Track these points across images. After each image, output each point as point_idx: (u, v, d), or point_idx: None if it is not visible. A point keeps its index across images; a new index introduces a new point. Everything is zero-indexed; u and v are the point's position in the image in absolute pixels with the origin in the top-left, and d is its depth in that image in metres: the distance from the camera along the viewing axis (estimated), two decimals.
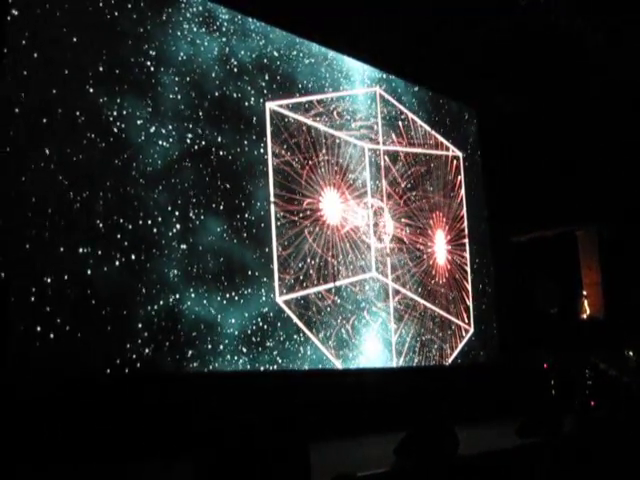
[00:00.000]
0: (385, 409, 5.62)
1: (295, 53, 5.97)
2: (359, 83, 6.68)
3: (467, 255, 7.66)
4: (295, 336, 5.38)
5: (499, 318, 7.85)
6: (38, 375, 3.91)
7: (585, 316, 8.98)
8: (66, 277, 3.91)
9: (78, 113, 4.14)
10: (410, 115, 7.23)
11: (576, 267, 9.38)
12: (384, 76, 6.99)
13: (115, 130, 4.32)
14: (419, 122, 7.32)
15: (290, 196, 5.61)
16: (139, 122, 4.46)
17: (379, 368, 6.21)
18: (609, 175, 8.38)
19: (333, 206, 6.05)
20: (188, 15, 4.99)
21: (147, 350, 4.31)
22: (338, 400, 5.51)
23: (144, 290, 4.34)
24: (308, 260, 5.61)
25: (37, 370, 3.88)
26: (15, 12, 3.91)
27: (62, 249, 3.94)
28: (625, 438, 4.56)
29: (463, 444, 3.80)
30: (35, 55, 3.98)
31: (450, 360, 7.05)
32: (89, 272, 4.03)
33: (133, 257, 4.31)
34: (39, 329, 3.81)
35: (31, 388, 3.87)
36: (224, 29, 5.26)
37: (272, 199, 5.38)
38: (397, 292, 6.63)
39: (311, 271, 5.61)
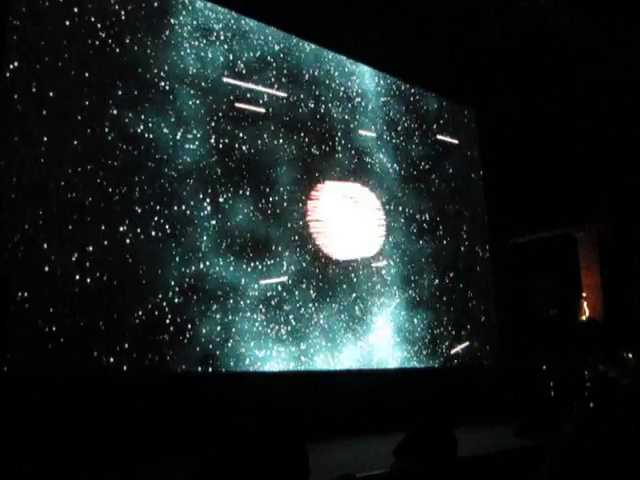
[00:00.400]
0: (384, 410, 5.63)
1: (297, 50, 6.10)
2: (359, 83, 6.70)
3: (467, 256, 7.66)
4: (310, 304, 5.77)
5: (499, 319, 7.85)
6: (38, 361, 4.04)
7: (584, 318, 8.98)
8: (107, 245, 4.47)
9: (107, 130, 4.60)
10: (409, 115, 7.24)
11: (575, 269, 9.38)
12: (383, 76, 7.01)
13: (144, 140, 4.78)
14: (418, 122, 7.33)
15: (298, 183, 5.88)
16: (165, 130, 4.91)
17: (378, 369, 6.22)
18: (609, 176, 8.38)
19: (340, 196, 6.25)
20: (185, 34, 5.19)
21: (176, 300, 4.81)
22: (337, 401, 5.52)
23: (177, 258, 4.87)
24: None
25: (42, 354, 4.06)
26: (15, 63, 4.23)
27: (103, 227, 4.51)
28: (624, 440, 4.57)
29: (462, 446, 3.81)
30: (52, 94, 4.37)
31: (449, 361, 7.05)
32: (128, 242, 4.60)
33: (169, 232, 4.85)
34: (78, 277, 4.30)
35: (27, 381, 3.90)
36: (222, 37, 5.46)
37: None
38: (397, 290, 6.63)
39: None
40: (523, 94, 7.88)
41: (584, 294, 9.12)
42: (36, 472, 3.69)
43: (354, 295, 6.21)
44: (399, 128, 7.07)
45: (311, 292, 5.84)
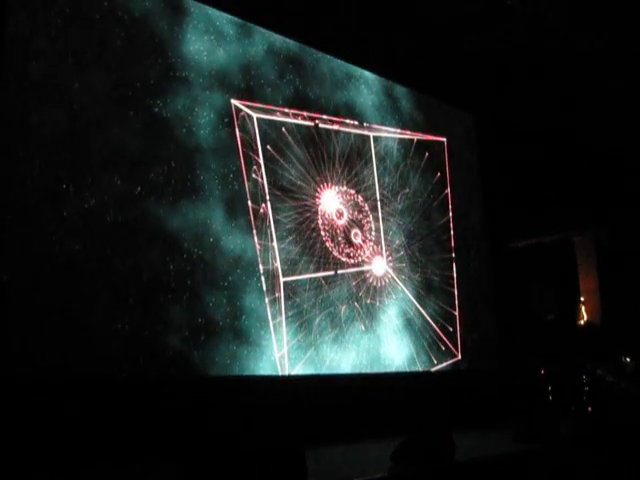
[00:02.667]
0: (382, 414, 5.62)
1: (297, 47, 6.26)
2: (360, 84, 6.74)
3: (465, 260, 7.66)
4: (315, 300, 5.90)
5: (496, 324, 7.85)
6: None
7: (582, 322, 9.00)
8: (124, 206, 4.68)
9: (130, 110, 4.89)
10: (408, 119, 7.25)
11: (573, 273, 9.40)
12: (382, 78, 7.04)
13: (161, 118, 5.03)
14: (416, 126, 7.34)
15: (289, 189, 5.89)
16: (182, 115, 5.15)
17: (375, 373, 6.21)
18: (607, 181, 8.41)
19: (331, 199, 6.27)
20: (200, 26, 5.44)
21: (182, 265, 4.93)
22: (335, 405, 5.51)
23: (187, 227, 5.02)
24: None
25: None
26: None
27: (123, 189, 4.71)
28: (622, 444, 4.57)
29: (460, 450, 3.80)
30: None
31: (447, 366, 7.05)
32: (145, 207, 4.80)
33: (182, 203, 5.01)
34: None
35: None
36: (233, 29, 5.71)
37: None
38: (394, 294, 6.64)
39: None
40: (522, 99, 7.90)
41: (582, 299, 9.14)
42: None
43: (354, 297, 6.22)
44: (396, 131, 7.08)
45: (317, 288, 5.94)
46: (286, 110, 6.00)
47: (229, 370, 5.05)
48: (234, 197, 5.42)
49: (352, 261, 6.33)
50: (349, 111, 6.61)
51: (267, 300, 5.50)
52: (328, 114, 6.40)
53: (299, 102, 6.14)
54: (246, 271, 5.37)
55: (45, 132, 4.35)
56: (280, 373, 5.43)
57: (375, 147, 6.82)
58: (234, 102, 5.59)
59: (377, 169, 6.78)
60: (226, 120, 5.46)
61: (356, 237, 6.41)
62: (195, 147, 5.21)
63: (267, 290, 5.52)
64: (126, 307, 4.54)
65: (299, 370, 5.60)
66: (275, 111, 5.90)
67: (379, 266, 6.59)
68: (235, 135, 5.52)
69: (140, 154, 4.84)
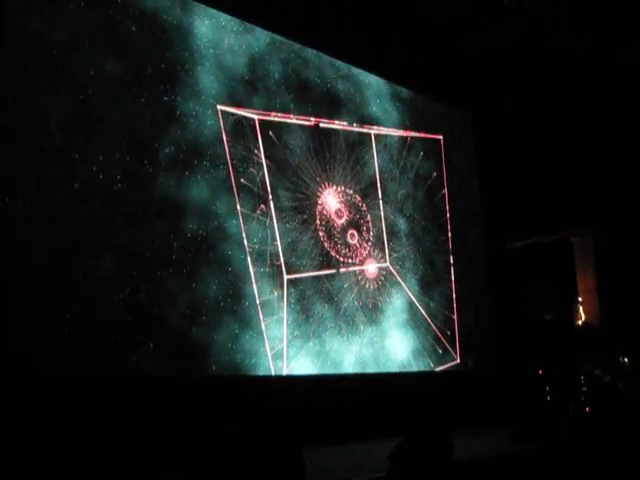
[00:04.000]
0: (380, 414, 5.63)
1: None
2: (359, 84, 6.76)
3: (463, 260, 7.67)
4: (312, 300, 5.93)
5: (495, 324, 7.86)
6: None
7: (580, 322, 9.01)
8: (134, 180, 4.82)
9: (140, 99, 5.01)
10: (406, 117, 7.26)
11: (571, 273, 9.41)
12: (382, 78, 7.05)
13: (170, 108, 5.17)
14: (415, 125, 7.35)
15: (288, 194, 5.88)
16: (190, 104, 5.27)
17: (374, 373, 6.22)
18: (605, 181, 8.42)
19: (331, 198, 6.32)
20: (205, 23, 5.51)
21: (186, 244, 5.00)
22: (333, 405, 5.52)
23: (193, 210, 5.12)
24: None
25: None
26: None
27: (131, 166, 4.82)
28: (620, 444, 4.58)
29: (458, 450, 3.81)
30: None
31: (445, 366, 7.06)
32: (152, 184, 4.92)
33: (187, 185, 5.13)
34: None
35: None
36: (236, 25, 5.78)
37: None
38: (392, 295, 6.65)
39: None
40: (521, 99, 7.90)
41: (580, 299, 9.15)
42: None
43: (353, 296, 6.25)
44: (395, 130, 7.08)
45: (319, 284, 5.99)
46: (287, 110, 6.00)
47: (228, 352, 5.07)
48: (237, 189, 5.45)
49: (351, 260, 6.34)
50: (349, 111, 6.61)
51: (269, 290, 5.51)
52: (328, 114, 6.40)
53: (300, 102, 6.13)
54: (248, 260, 5.39)
55: (60, 112, 4.42)
56: (280, 363, 5.44)
57: (375, 146, 6.82)
58: (236, 103, 5.61)
59: (376, 168, 6.78)
60: (230, 115, 5.50)
61: (352, 237, 6.42)
62: (200, 136, 5.27)
63: (269, 281, 5.53)
64: (128, 279, 4.58)
65: (299, 359, 5.63)
66: (276, 111, 5.90)
67: (377, 266, 6.60)
68: (237, 133, 5.54)
69: (149, 136, 4.92)
